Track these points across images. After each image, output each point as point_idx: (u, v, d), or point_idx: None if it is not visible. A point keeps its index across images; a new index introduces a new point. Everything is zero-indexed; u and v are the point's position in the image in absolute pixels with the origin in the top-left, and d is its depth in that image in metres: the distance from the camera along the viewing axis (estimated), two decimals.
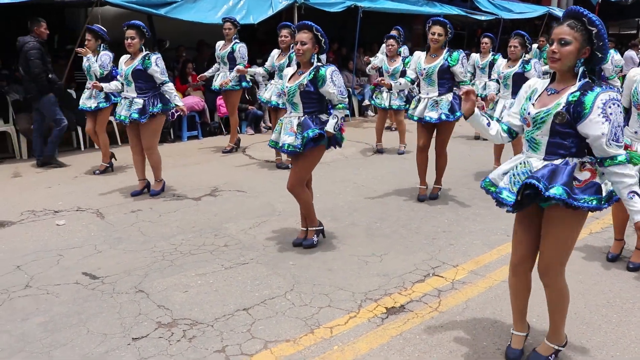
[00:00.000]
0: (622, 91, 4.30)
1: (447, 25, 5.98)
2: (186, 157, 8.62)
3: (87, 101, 7.52)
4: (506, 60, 7.38)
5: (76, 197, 6.38)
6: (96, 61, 7.30)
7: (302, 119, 4.64)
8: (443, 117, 6.04)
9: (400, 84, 6.40)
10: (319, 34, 4.56)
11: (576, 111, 2.75)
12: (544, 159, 2.89)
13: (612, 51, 9.24)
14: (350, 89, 12.12)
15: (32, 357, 3.28)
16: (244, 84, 8.65)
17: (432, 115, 6.08)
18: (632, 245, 4.73)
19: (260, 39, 13.35)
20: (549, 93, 2.92)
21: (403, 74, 8.37)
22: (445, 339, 3.52)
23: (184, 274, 4.40)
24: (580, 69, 2.82)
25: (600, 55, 2.80)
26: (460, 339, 3.53)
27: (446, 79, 6.08)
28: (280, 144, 4.74)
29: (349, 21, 11.43)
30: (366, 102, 12.76)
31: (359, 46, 12.77)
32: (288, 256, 4.76)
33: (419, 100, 6.27)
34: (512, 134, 3.21)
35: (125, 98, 6.35)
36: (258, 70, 8.04)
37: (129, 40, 6.16)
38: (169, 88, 6.29)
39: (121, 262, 4.61)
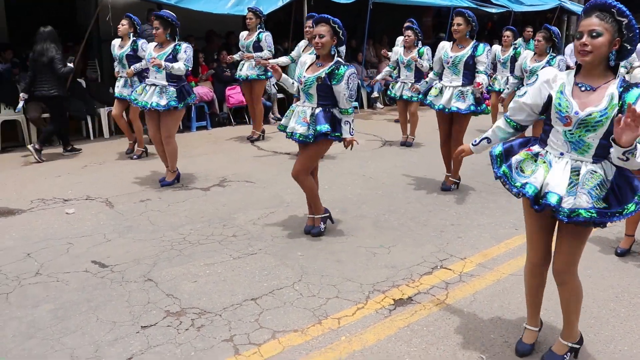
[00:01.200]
0: None
1: (465, 14, 6.09)
2: (195, 148, 8.64)
3: (123, 90, 7.63)
4: (532, 53, 7.37)
5: (86, 186, 6.42)
6: (135, 51, 7.50)
7: (317, 111, 4.65)
8: (472, 108, 6.14)
9: (427, 82, 6.71)
10: (337, 25, 4.56)
11: (620, 108, 2.65)
12: (594, 162, 2.77)
13: None
14: (359, 81, 12.10)
15: (43, 344, 3.31)
16: (269, 73, 8.67)
17: (459, 105, 6.16)
18: None
19: (270, 29, 13.34)
20: (582, 89, 2.78)
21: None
22: (452, 331, 3.53)
23: (193, 263, 4.42)
24: (613, 63, 2.72)
25: (629, 47, 2.71)
26: (467, 331, 3.53)
27: (470, 70, 6.16)
28: (290, 132, 4.76)
29: (362, 12, 11.38)
30: (375, 94, 12.74)
31: (369, 38, 12.73)
32: (296, 247, 4.78)
33: (440, 89, 6.34)
34: (518, 129, 3.12)
35: (153, 85, 6.34)
36: (282, 59, 8.10)
37: (154, 30, 6.30)
38: (180, 71, 6.27)
39: (130, 251, 4.64)
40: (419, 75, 8.58)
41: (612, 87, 2.71)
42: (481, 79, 6.13)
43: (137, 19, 7.68)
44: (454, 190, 6.48)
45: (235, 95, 10.47)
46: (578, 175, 2.77)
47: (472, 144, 3.33)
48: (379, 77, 9.44)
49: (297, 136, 4.68)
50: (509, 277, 4.26)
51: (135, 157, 7.89)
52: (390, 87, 9.19)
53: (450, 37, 13.50)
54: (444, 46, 6.34)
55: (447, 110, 6.22)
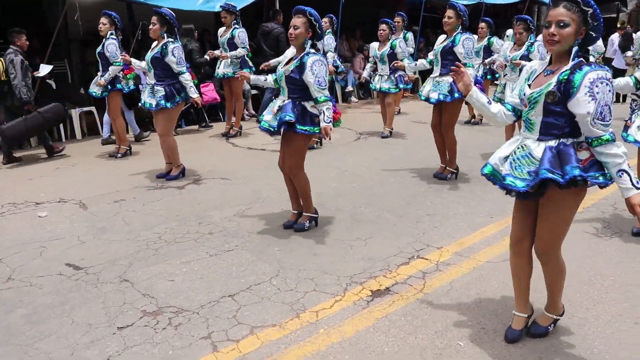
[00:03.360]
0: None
1: (457, 8, 6.17)
2: None
3: (94, 86, 7.60)
4: (512, 44, 7.48)
5: (58, 189, 6.32)
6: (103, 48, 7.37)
7: (285, 102, 4.64)
8: (441, 97, 6.23)
9: (416, 64, 6.81)
10: (313, 18, 4.53)
11: (566, 89, 2.76)
12: (539, 139, 2.92)
13: None
14: (333, 76, 12.07)
15: (17, 350, 3.25)
16: (245, 69, 8.68)
17: (433, 95, 6.30)
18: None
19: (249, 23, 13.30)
20: (545, 74, 2.93)
21: (390, 57, 8.67)
22: (430, 320, 3.55)
23: (169, 262, 4.38)
24: (574, 49, 2.81)
25: (594, 35, 2.82)
26: (444, 319, 3.56)
27: (449, 60, 6.18)
28: (259, 121, 4.78)
29: (334, 5, 11.36)
30: (349, 88, 12.77)
31: (342, 32, 12.73)
32: (273, 242, 4.76)
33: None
34: (517, 112, 3.20)
35: (147, 84, 6.48)
36: (273, 61, 8.14)
37: (151, 26, 6.28)
38: (184, 79, 6.34)
39: (105, 252, 4.58)
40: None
41: (564, 68, 2.82)
42: (420, 62, 6.41)
43: (117, 15, 7.53)
44: (428, 182, 6.52)
45: (208, 92, 10.38)
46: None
47: (470, 92, 3.19)
48: (364, 74, 9.47)
49: (262, 124, 4.72)
50: (485, 265, 4.30)
51: (119, 155, 7.79)
52: (371, 80, 9.34)
53: (422, 29, 13.64)
54: (440, 39, 6.47)
55: (427, 100, 6.39)
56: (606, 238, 4.79)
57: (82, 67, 11.32)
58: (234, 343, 3.30)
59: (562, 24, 2.75)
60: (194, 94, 6.40)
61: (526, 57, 7.06)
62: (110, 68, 7.29)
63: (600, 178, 2.82)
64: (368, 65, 9.36)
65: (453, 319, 3.56)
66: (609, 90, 2.72)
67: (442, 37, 6.43)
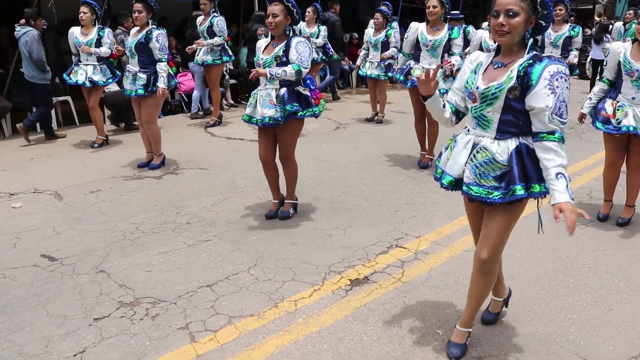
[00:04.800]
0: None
1: None
2: None
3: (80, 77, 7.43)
4: (488, 33, 7.52)
5: (33, 179, 6.22)
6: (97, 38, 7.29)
7: (282, 92, 4.58)
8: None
9: (405, 66, 6.63)
10: (290, 5, 4.50)
11: (524, 83, 2.61)
12: (496, 138, 2.74)
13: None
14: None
15: None
16: (225, 58, 8.67)
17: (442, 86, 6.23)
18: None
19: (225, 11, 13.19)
20: (495, 67, 2.75)
21: (384, 44, 8.91)
22: (408, 308, 3.56)
23: (146, 252, 4.34)
24: (530, 41, 2.66)
25: (544, 24, 2.68)
26: (423, 307, 3.57)
27: (447, 52, 6.33)
28: (260, 117, 4.60)
29: None
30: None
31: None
32: (251, 231, 4.74)
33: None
34: (459, 114, 3.00)
35: (128, 71, 6.41)
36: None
37: (136, 14, 6.22)
38: (160, 68, 6.27)
39: (81, 243, 4.52)
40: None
41: (517, 63, 2.66)
42: (454, 59, 6.25)
43: (96, 3, 7.41)
44: (407, 171, 6.54)
45: (186, 82, 10.29)
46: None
47: (434, 95, 2.86)
48: (358, 62, 9.54)
49: (267, 120, 4.57)
50: (463, 253, 4.33)
51: (96, 145, 7.68)
52: (360, 66, 9.43)
53: (401, 19, 13.62)
54: (418, 28, 6.38)
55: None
56: (582, 226, 4.84)
57: (57, 56, 11.12)
58: (212, 333, 3.28)
59: (511, 13, 2.57)
60: (162, 84, 6.28)
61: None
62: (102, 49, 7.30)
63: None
64: (362, 52, 9.41)
65: (432, 308, 3.57)
66: (567, 87, 2.59)
67: (422, 25, 6.37)
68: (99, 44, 7.28)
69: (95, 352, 3.11)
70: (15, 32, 7.52)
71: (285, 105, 4.55)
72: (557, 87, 2.55)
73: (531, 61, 2.62)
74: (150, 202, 5.47)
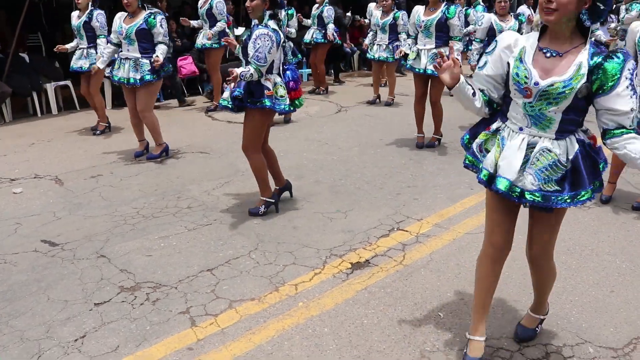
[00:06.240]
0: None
1: None
2: None
3: (78, 61, 7.26)
4: (494, 15, 7.42)
5: (33, 164, 6.20)
6: (90, 20, 7.07)
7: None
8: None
9: (409, 45, 6.63)
10: None
11: (596, 80, 2.30)
12: (556, 138, 2.43)
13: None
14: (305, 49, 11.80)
15: None
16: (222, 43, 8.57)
17: (431, 67, 6.24)
18: None
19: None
20: (547, 54, 2.39)
21: (392, 27, 8.87)
22: (409, 291, 3.55)
23: (147, 237, 4.33)
24: (587, 24, 2.29)
25: (602, 7, 2.27)
26: (424, 290, 3.56)
27: (444, 32, 6.30)
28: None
29: None
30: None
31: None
32: (252, 216, 4.71)
33: (418, 53, 6.45)
34: (492, 105, 2.66)
35: (126, 58, 6.09)
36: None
37: (126, 0, 5.96)
38: (162, 50, 6.04)
39: (81, 228, 4.51)
40: (394, 37, 8.92)
41: (582, 55, 2.33)
42: (456, 46, 6.23)
43: None
44: (409, 153, 6.51)
45: (187, 65, 10.20)
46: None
47: (459, 83, 2.55)
48: (366, 41, 9.46)
49: (221, 101, 4.54)
50: (465, 236, 4.31)
51: (98, 132, 7.58)
52: (368, 49, 9.36)
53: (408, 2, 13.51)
54: (418, 10, 6.44)
55: (425, 72, 6.38)
56: (585, 208, 4.81)
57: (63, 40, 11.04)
58: (212, 317, 3.27)
59: None
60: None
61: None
62: (99, 41, 7.11)
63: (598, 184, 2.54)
64: (370, 34, 9.35)
65: (432, 291, 3.56)
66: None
67: (421, 8, 6.40)
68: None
69: (96, 336, 3.10)
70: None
71: (235, 87, 4.37)
72: (636, 85, 2.34)
73: (601, 54, 2.31)
74: (151, 186, 5.45)
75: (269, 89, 4.38)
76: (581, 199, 2.45)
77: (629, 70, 2.28)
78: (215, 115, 8.69)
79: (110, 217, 4.73)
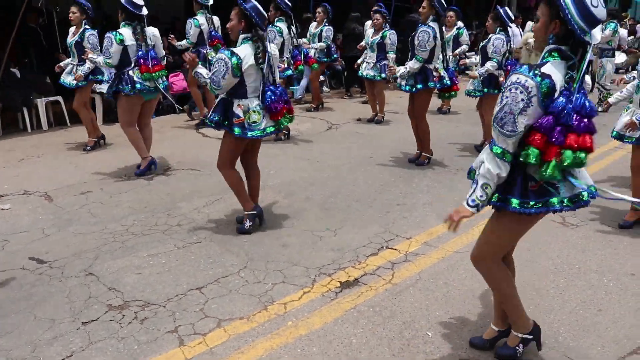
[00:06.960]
0: None
1: None
2: None
3: (67, 76, 7.30)
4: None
5: (23, 180, 6.17)
6: (82, 40, 7.08)
7: (218, 99, 4.54)
8: (407, 87, 6.52)
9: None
10: (244, 8, 4.26)
11: None
12: None
13: None
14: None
15: None
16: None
17: (402, 83, 6.57)
18: None
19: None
20: None
21: (380, 45, 8.91)
22: (398, 310, 3.56)
23: (136, 255, 4.32)
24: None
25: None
26: (413, 309, 3.57)
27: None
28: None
29: None
30: (320, 77, 12.71)
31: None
32: (242, 233, 4.71)
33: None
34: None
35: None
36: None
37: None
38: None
39: (70, 245, 4.50)
40: (381, 56, 8.96)
41: None
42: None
43: (88, 3, 7.29)
44: (398, 171, 6.54)
45: (178, 82, 10.24)
46: None
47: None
48: (360, 60, 9.49)
49: (205, 119, 4.57)
50: (454, 255, 4.33)
51: (88, 148, 7.52)
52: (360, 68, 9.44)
53: (394, 18, 13.61)
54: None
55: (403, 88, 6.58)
56: (572, 226, 4.85)
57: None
58: (200, 337, 3.27)
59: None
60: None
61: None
62: (99, 59, 7.10)
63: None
64: (365, 52, 9.41)
65: (421, 309, 3.57)
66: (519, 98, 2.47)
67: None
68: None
69: (83, 356, 3.08)
70: None
71: (214, 112, 4.49)
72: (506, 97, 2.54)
73: None
74: (141, 203, 5.44)
75: (238, 117, 4.40)
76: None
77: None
78: (206, 132, 8.70)
79: (99, 234, 4.71)
